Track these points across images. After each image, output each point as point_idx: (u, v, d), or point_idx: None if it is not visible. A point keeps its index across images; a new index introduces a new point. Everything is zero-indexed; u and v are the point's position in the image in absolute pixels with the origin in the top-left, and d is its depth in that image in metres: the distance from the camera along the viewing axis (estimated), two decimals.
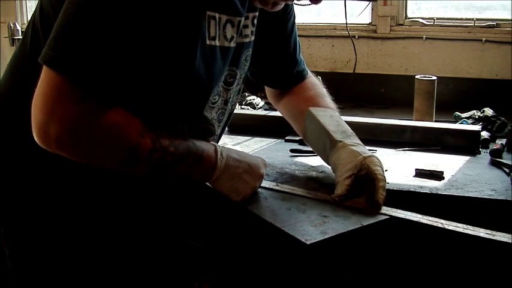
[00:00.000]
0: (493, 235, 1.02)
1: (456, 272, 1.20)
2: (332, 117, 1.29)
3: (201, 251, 1.34)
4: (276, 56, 1.32)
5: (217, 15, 1.00)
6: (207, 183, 1.11)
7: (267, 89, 1.45)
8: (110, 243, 1.06)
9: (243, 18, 1.07)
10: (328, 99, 1.37)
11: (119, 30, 0.86)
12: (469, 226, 1.06)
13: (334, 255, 1.14)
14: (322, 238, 1.00)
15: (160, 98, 0.99)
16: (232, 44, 1.06)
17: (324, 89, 1.41)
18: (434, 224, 1.06)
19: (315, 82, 1.41)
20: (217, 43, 1.02)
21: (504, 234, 1.03)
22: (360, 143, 1.23)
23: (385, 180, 1.15)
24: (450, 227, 1.05)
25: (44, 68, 0.86)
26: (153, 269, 1.14)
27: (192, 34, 0.96)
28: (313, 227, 1.04)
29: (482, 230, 1.04)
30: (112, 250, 1.07)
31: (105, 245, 1.06)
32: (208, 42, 1.00)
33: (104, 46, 0.86)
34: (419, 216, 1.10)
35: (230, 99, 1.16)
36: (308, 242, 0.98)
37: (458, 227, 1.05)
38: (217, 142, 1.20)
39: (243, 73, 1.17)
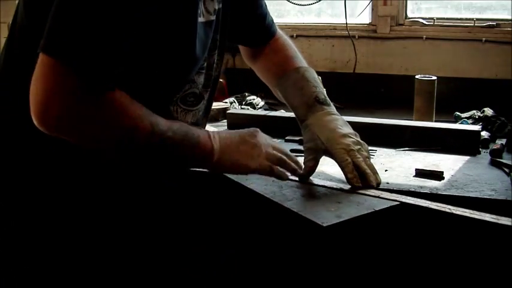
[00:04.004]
0: (498, 219, 1.08)
1: (463, 255, 1.23)
2: (295, 83, 1.32)
3: (201, 251, 1.34)
4: (247, 12, 1.34)
5: None
6: (210, 169, 1.12)
7: (242, 49, 1.48)
8: (110, 245, 1.06)
9: None
10: (298, 60, 1.40)
11: (114, 10, 0.88)
12: (475, 211, 1.12)
13: (348, 238, 1.20)
14: (338, 221, 1.07)
15: (155, 72, 1.02)
16: (212, 17, 1.11)
17: (294, 48, 1.43)
18: (442, 209, 1.13)
19: (286, 43, 1.43)
20: (203, 19, 1.06)
21: (508, 218, 1.08)
22: (327, 109, 1.28)
23: (354, 159, 1.22)
24: (458, 212, 1.12)
25: (41, 56, 0.88)
26: (154, 268, 1.14)
27: (190, 14, 1.00)
28: (328, 212, 1.11)
29: (487, 214, 1.10)
30: (113, 252, 1.07)
31: (106, 246, 1.06)
32: (198, 19, 1.04)
33: (99, 25, 0.88)
34: (428, 202, 1.16)
35: (213, 64, 1.19)
36: (325, 225, 1.05)
37: (465, 211, 1.12)
38: (207, 112, 1.24)
39: (221, 37, 1.21)
